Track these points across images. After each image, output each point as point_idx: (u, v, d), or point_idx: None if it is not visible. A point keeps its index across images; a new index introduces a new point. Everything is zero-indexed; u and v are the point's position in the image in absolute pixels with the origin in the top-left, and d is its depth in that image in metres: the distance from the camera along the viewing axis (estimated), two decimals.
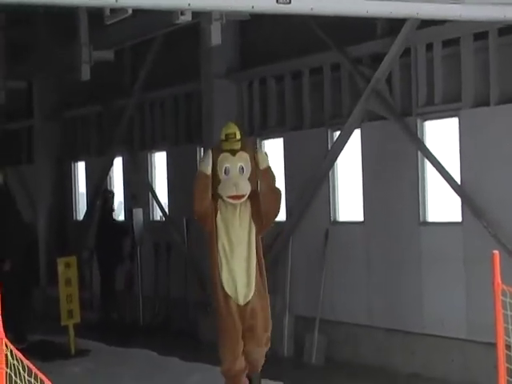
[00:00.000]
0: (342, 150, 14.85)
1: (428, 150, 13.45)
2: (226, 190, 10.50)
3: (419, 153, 13.57)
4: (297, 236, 15.77)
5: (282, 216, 16.04)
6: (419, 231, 13.73)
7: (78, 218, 22.97)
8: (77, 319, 16.14)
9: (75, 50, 14.65)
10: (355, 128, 14.56)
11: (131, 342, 16.24)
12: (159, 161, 19.81)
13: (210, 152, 10.65)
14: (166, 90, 18.75)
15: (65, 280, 16.35)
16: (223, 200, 10.67)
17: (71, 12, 13.29)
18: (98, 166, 21.69)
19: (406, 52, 13.72)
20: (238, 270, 10.70)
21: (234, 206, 10.66)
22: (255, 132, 16.68)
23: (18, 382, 5.40)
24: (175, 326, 17.12)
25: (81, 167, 23.21)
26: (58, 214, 22.84)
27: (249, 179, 10.55)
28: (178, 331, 16.82)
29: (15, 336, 14.28)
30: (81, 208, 23.11)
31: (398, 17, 11.38)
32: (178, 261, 18.10)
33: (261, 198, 10.75)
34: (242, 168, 10.48)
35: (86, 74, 14.79)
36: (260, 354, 10.99)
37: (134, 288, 19.03)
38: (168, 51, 17.80)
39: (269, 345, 11.02)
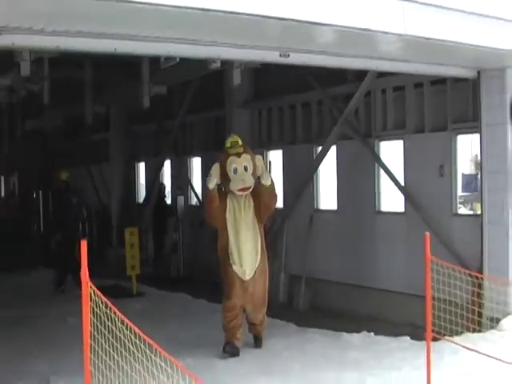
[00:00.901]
0: (323, 159, 14.93)
1: (382, 161, 13.57)
2: (235, 185, 10.12)
3: (376, 163, 13.70)
4: (290, 219, 15.78)
5: (280, 205, 16.25)
6: (375, 218, 13.80)
7: (139, 202, 23.06)
8: (137, 271, 16.32)
9: (139, 85, 14.73)
10: (332, 144, 14.63)
11: (173, 288, 16.29)
12: (196, 163, 19.92)
13: (213, 168, 10.26)
14: (201, 114, 18.85)
15: (129, 244, 16.54)
16: (233, 195, 10.30)
17: (137, 59, 13.36)
18: (153, 165, 21.79)
19: (368, 93, 13.84)
20: (245, 251, 10.27)
21: (239, 199, 10.29)
22: (262, 145, 16.80)
23: (97, 311, 5.52)
24: (205, 278, 17.20)
25: (142, 166, 23.31)
26: (125, 198, 22.96)
27: (252, 174, 10.20)
28: (208, 282, 16.87)
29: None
30: (141, 194, 23.23)
31: (363, 69, 11.53)
32: (207, 234, 18.23)
33: (263, 197, 10.39)
34: (246, 167, 10.15)
35: (146, 102, 14.88)
36: (258, 316, 10.58)
37: (177, 251, 19.14)
38: (203, 87, 17.88)
39: (265, 309, 10.64)
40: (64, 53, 8.97)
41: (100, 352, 5.82)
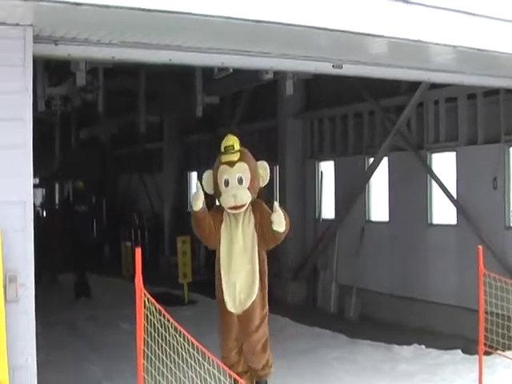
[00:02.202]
0: (374, 171, 14.90)
1: (434, 173, 13.48)
2: (225, 201, 7.89)
3: (428, 175, 13.62)
4: (342, 229, 15.76)
5: (331, 215, 16.26)
6: (427, 230, 13.68)
7: (188, 210, 23.17)
8: (189, 279, 16.44)
9: (192, 95, 14.84)
10: (384, 156, 14.61)
11: None
12: None
13: (199, 187, 7.94)
14: (253, 124, 18.92)
15: (181, 252, 16.69)
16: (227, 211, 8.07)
17: (191, 69, 13.46)
18: None
19: (420, 105, 13.78)
20: (238, 281, 7.96)
21: (237, 217, 7.98)
22: (314, 156, 16.83)
23: (151, 318, 5.60)
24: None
25: (194, 175, 23.46)
26: (177, 207, 23.12)
27: (249, 188, 7.90)
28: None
29: None
30: None
31: (416, 80, 11.49)
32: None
33: (270, 233, 8.00)
34: (241, 178, 7.87)
35: (199, 112, 14.98)
36: (255, 361, 8.15)
37: None
38: (255, 97, 17.96)
39: (266, 356, 8.26)
40: (119, 63, 9.09)
41: (153, 358, 5.89)
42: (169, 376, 6.14)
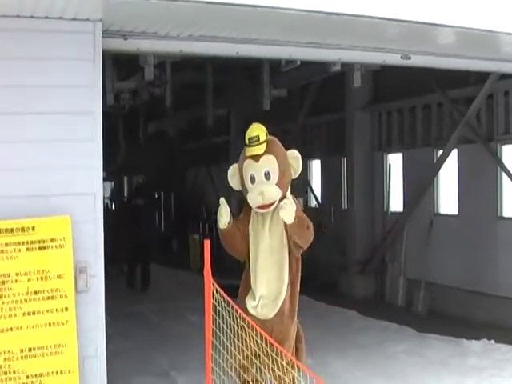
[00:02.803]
0: (443, 163, 14.73)
1: (504, 165, 13.27)
2: (252, 200, 7.00)
3: (498, 167, 13.42)
4: (410, 223, 15.63)
5: (399, 207, 16.15)
6: (497, 223, 13.46)
7: None
8: None
9: (259, 88, 14.87)
10: (453, 148, 14.43)
11: None
12: (315, 166, 19.97)
13: (223, 203, 7.19)
14: (321, 117, 18.87)
15: None
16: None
17: (258, 62, 13.49)
18: None
19: (490, 96, 13.57)
20: (262, 286, 6.97)
21: (265, 216, 7.06)
22: (382, 148, 16.74)
23: (219, 308, 5.64)
24: (323, 280, 17.23)
25: None
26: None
27: (278, 184, 6.98)
28: (325, 284, 16.90)
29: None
30: None
31: (486, 71, 11.31)
32: (327, 235, 18.28)
33: (289, 233, 7.02)
34: (268, 173, 6.94)
35: (266, 105, 14.98)
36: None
37: None
38: (323, 89, 17.90)
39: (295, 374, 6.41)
40: (186, 57, 9.16)
41: (221, 349, 5.94)
42: (236, 367, 6.19)
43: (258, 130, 7.04)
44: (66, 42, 6.76)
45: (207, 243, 6.19)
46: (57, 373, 6.39)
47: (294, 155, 7.18)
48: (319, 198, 19.40)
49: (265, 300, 6.92)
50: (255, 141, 6.96)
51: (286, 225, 6.91)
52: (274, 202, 6.95)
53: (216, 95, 17.52)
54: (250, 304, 6.89)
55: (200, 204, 26.16)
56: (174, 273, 19.60)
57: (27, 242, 6.34)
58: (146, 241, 17.95)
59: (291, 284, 7.12)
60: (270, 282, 7.00)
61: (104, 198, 7.34)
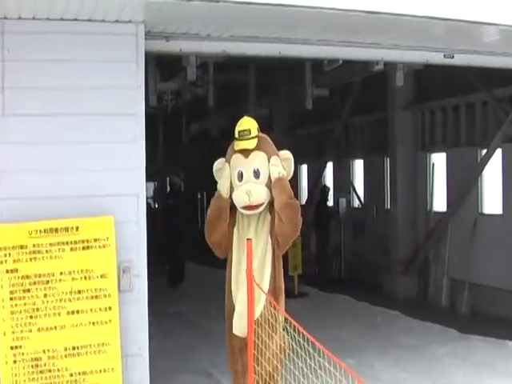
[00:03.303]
0: (487, 162, 14.59)
1: None
2: (238, 199, 6.35)
3: None
4: (454, 222, 15.50)
5: (443, 207, 16.03)
6: None
7: (301, 203, 23.18)
8: (299, 271, 16.46)
9: (302, 88, 14.86)
10: (498, 147, 14.28)
11: (335, 289, 16.34)
12: (358, 165, 19.91)
13: (225, 165, 6.56)
14: (364, 116, 18.81)
15: (292, 244, 16.67)
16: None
17: (300, 61, 13.48)
18: (315, 167, 21.93)
19: None
20: (243, 297, 6.15)
21: (250, 219, 6.45)
22: (425, 148, 16.63)
23: None
24: (366, 280, 17.18)
25: (304, 168, 23.50)
26: None
27: (267, 185, 6.38)
28: (368, 284, 16.86)
29: None
30: (303, 196, 23.41)
31: None
32: (370, 235, 18.23)
33: (275, 215, 6.39)
34: (258, 171, 6.35)
35: (309, 104, 14.99)
36: None
37: (338, 253, 19.20)
38: (365, 88, 17.83)
39: None
40: (228, 57, 9.20)
41: (263, 349, 5.95)
42: (278, 366, 6.20)
43: (249, 124, 6.44)
44: (109, 44, 6.83)
45: (249, 243, 6.21)
46: (100, 371, 6.47)
47: (286, 156, 6.58)
48: (362, 198, 19.36)
49: (243, 311, 6.14)
50: (246, 134, 6.37)
51: (273, 225, 6.34)
52: (262, 204, 6.34)
53: (258, 95, 17.55)
54: (235, 325, 6.33)
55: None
56: (214, 272, 19.64)
57: (71, 242, 6.43)
58: (180, 239, 18.14)
59: (274, 289, 6.42)
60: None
61: (147, 197, 7.39)
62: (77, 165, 6.71)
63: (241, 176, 6.40)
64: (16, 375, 6.33)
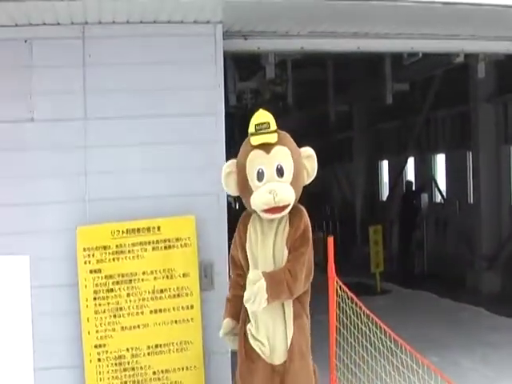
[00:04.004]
0: None
1: None
2: (259, 201, 5.29)
3: None
4: None
5: None
6: None
7: (382, 199, 23.09)
8: (381, 268, 16.35)
9: (381, 83, 14.75)
10: None
11: (418, 286, 16.15)
12: (440, 160, 19.65)
13: (228, 324, 5.60)
14: (445, 110, 18.52)
15: (373, 241, 16.62)
16: (258, 216, 5.46)
17: (379, 56, 13.36)
18: (396, 163, 21.71)
19: None
20: (264, 319, 5.39)
21: (271, 224, 5.40)
22: (508, 141, 16.29)
23: (343, 305, 5.61)
24: (448, 276, 16.93)
25: (385, 164, 23.33)
26: (369, 196, 23.06)
27: (292, 184, 5.42)
28: (450, 279, 16.61)
29: None
30: (384, 192, 23.25)
31: None
32: (452, 230, 17.96)
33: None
34: (281, 169, 5.38)
35: (389, 99, 14.87)
36: None
37: (421, 249, 18.98)
38: (446, 81, 17.57)
39: None
40: (307, 54, 9.17)
41: (345, 346, 5.92)
42: (361, 363, 6.15)
43: (267, 117, 5.46)
44: (188, 45, 6.88)
45: (330, 240, 6.17)
46: (182, 369, 6.53)
47: (308, 154, 5.66)
48: (444, 193, 19.09)
49: (270, 339, 5.40)
50: (266, 127, 5.41)
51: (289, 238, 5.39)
52: (288, 206, 5.34)
53: (337, 91, 17.48)
54: (257, 345, 5.44)
55: (324, 201, 26.12)
56: None
57: (153, 242, 6.50)
58: None
59: (296, 317, 5.47)
60: (273, 314, 5.40)
61: (228, 197, 7.42)
62: (158, 165, 6.78)
63: (262, 175, 5.36)
64: (100, 373, 6.44)
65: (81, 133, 6.66)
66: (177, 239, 6.54)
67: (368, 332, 5.92)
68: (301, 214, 5.51)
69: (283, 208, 5.31)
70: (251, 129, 5.42)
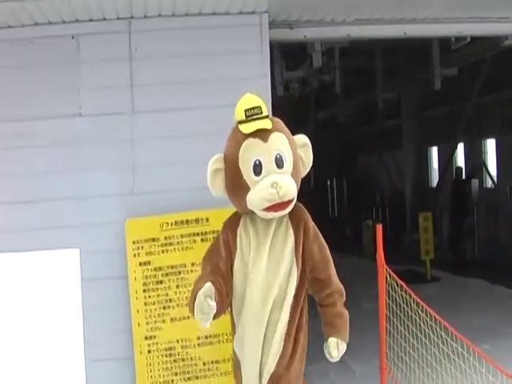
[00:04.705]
0: None
1: None
2: (259, 197, 4.39)
3: None
4: None
5: None
6: None
7: (432, 186, 22.94)
8: (431, 256, 16.22)
9: (429, 68, 14.61)
10: None
11: (469, 273, 16.00)
12: (490, 145, 19.45)
13: (203, 297, 4.22)
14: (495, 94, 18.30)
15: (423, 228, 16.49)
16: (252, 215, 4.55)
17: (427, 41, 13.25)
18: (446, 149, 21.53)
19: None
20: (255, 342, 4.57)
21: (267, 225, 4.51)
22: None
23: (393, 294, 5.59)
24: (500, 263, 16.75)
25: (434, 151, 23.15)
26: (418, 183, 22.88)
27: (294, 175, 4.53)
28: (503, 267, 16.42)
29: None
30: (434, 179, 23.08)
31: None
32: (503, 216, 17.76)
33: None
34: (281, 158, 4.48)
35: (437, 85, 14.73)
36: None
37: (471, 235, 18.81)
38: (496, 65, 17.34)
39: None
40: (354, 41, 9.12)
41: (395, 334, 5.90)
42: (411, 352, 6.12)
43: (257, 101, 4.57)
44: (234, 35, 6.89)
45: (379, 228, 6.14)
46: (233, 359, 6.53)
47: (303, 141, 4.75)
48: (495, 178, 18.88)
49: (263, 364, 4.59)
50: (257, 112, 4.52)
51: (307, 244, 4.56)
52: (292, 201, 4.46)
53: (385, 79, 17.37)
54: (247, 374, 4.68)
55: (373, 189, 26.02)
56: (348, 259, 19.61)
57: (202, 233, 6.52)
58: None
59: (297, 333, 4.74)
60: (270, 335, 4.54)
61: None
62: (205, 157, 6.78)
63: (259, 167, 4.43)
64: (150, 364, 6.50)
65: (128, 126, 6.71)
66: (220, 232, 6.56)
67: (418, 320, 5.88)
68: (303, 210, 4.64)
69: (288, 203, 4.43)
70: (239, 115, 4.53)
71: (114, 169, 6.70)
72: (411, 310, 5.83)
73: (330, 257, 4.67)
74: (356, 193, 26.62)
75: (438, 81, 14.59)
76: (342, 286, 4.71)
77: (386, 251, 6.24)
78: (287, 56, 13.34)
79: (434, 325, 5.24)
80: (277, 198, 4.35)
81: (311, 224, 4.60)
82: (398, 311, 5.96)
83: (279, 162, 4.46)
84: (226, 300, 4.49)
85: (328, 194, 26.94)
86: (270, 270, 4.46)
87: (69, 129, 6.71)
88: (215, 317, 4.39)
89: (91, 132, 6.72)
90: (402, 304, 5.88)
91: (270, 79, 7.07)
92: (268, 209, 4.39)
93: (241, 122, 4.52)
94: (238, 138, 4.54)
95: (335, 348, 4.68)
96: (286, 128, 4.68)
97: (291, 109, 22.67)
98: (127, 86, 6.73)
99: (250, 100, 4.55)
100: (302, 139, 4.73)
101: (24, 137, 6.68)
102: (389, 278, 5.92)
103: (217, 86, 6.84)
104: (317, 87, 15.46)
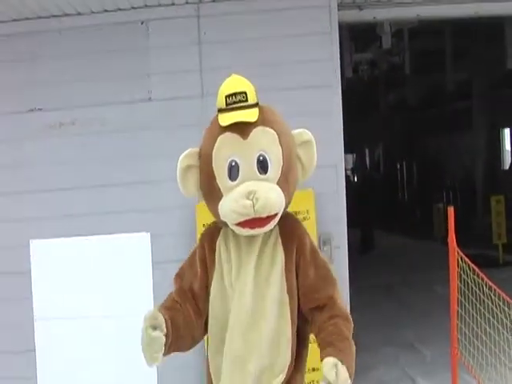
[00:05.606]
0: None
1: None
2: (231, 211, 3.38)
3: None
4: None
5: None
6: None
7: (505, 168, 22.60)
8: (504, 240, 16.01)
9: (501, 48, 14.40)
10: None
11: None
12: None
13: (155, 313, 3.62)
14: None
15: (496, 212, 16.28)
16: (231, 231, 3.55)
17: (499, 20, 13.04)
18: None
19: None
20: (238, 369, 3.44)
21: (251, 243, 3.51)
22: None
23: (465, 277, 5.53)
24: None
25: (506, 132, 22.80)
26: (490, 165, 22.59)
27: (281, 183, 3.49)
28: None
29: None
30: (506, 161, 22.74)
31: None
32: None
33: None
34: (265, 160, 3.46)
35: (510, 64, 14.52)
36: None
37: None
38: None
39: None
40: (423, 22, 9.03)
41: (467, 318, 5.86)
42: (483, 336, 6.08)
43: (242, 84, 3.60)
44: (302, 18, 6.88)
45: (451, 210, 6.10)
46: None
47: (305, 138, 3.78)
48: None
49: None
50: (240, 100, 3.52)
51: (301, 262, 3.59)
52: (276, 216, 3.46)
53: (455, 59, 17.17)
54: None
55: (443, 172, 25.76)
56: (418, 243, 19.47)
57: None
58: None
59: (297, 357, 3.58)
60: (261, 366, 3.45)
61: (346, 170, 7.40)
62: None
63: (235, 170, 3.47)
64: None
65: (198, 110, 6.77)
66: (296, 213, 6.55)
67: (490, 304, 5.83)
68: (297, 223, 3.70)
69: (268, 220, 3.42)
70: (220, 102, 3.55)
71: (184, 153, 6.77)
72: (483, 294, 5.78)
73: (335, 278, 3.69)
74: (426, 176, 26.41)
75: (510, 60, 14.39)
76: (348, 313, 3.57)
77: (457, 235, 6.19)
78: (356, 37, 13.29)
79: (507, 309, 5.19)
80: (251, 212, 3.35)
81: (307, 240, 3.64)
82: (470, 295, 5.92)
83: (262, 166, 3.47)
84: (192, 330, 3.60)
85: (398, 176, 26.78)
86: (258, 286, 3.48)
87: (139, 114, 6.81)
88: (175, 350, 3.54)
89: (161, 116, 6.81)
90: (474, 288, 5.83)
91: (339, 61, 7.06)
92: (242, 224, 3.42)
93: (221, 111, 3.54)
94: (213, 131, 3.57)
95: (332, 369, 3.16)
96: (280, 120, 3.72)
97: (361, 91, 22.63)
98: (197, 70, 6.79)
99: (233, 83, 3.59)
100: (304, 135, 3.78)
101: (95, 123, 6.81)
102: (460, 262, 5.87)
103: (286, 69, 6.86)
104: (386, 69, 15.38)
